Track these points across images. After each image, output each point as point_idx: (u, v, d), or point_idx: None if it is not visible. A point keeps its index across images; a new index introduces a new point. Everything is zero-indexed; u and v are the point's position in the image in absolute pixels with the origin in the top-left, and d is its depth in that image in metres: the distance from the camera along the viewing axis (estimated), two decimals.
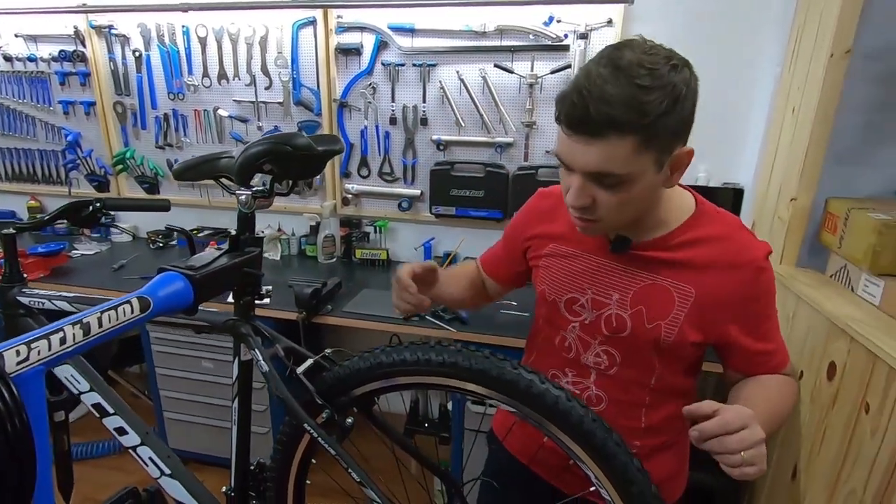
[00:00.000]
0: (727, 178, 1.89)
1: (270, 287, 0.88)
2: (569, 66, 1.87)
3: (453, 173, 2.08)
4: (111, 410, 0.88)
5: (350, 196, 2.26)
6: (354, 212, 2.30)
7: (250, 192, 0.74)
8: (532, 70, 1.92)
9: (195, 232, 2.34)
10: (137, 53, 2.24)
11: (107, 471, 2.14)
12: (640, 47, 0.65)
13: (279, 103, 2.18)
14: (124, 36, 2.23)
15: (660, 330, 0.78)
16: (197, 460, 2.04)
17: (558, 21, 1.85)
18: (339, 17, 2.03)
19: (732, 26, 1.78)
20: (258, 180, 0.80)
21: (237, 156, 0.72)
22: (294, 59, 2.11)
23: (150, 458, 0.88)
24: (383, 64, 2.05)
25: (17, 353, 0.41)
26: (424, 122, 2.09)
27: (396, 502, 0.76)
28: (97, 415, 0.89)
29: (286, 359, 0.78)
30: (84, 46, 2.27)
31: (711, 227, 0.78)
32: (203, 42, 2.17)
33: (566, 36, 1.86)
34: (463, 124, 2.04)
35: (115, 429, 0.88)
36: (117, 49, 2.26)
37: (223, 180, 0.80)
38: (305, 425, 0.71)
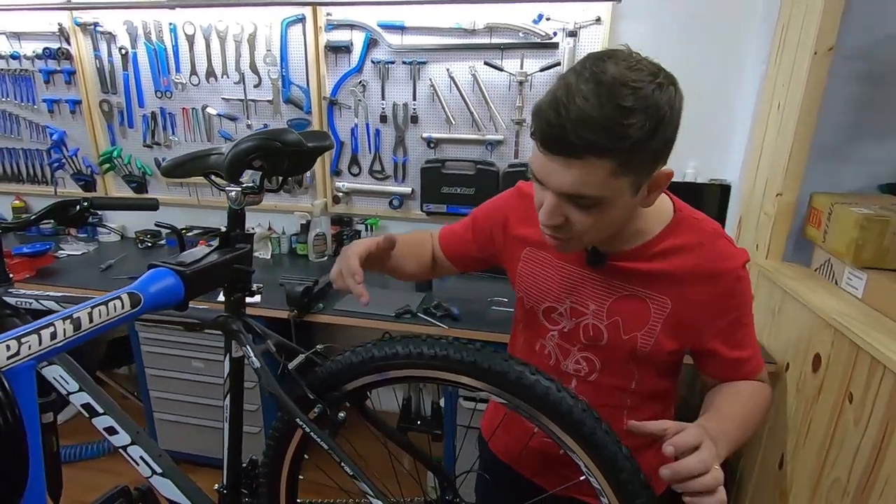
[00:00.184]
0: (715, 175, 1.91)
1: (261, 284, 0.88)
2: (558, 64, 1.88)
3: (444, 171, 2.08)
4: (101, 410, 0.87)
5: (341, 194, 2.26)
6: (345, 210, 2.29)
7: (240, 189, 0.74)
8: (522, 68, 1.93)
9: (184, 231, 2.32)
10: (124, 51, 2.22)
11: (95, 473, 2.12)
12: (624, 61, 0.61)
13: (268, 101, 2.17)
14: (110, 33, 2.20)
15: (636, 340, 0.78)
16: (188, 461, 2.02)
17: (547, 19, 1.86)
18: (328, 14, 2.02)
19: (719, 24, 1.80)
20: (248, 177, 0.80)
21: (227, 152, 0.72)
22: (283, 57, 2.10)
23: (141, 458, 0.87)
24: (373, 62, 2.04)
25: (7, 347, 0.41)
26: (415, 119, 2.09)
27: (389, 495, 0.77)
28: (87, 415, 0.88)
29: (278, 355, 0.78)
30: (69, 44, 2.24)
31: (689, 235, 0.76)
32: (190, 39, 2.15)
33: (555, 34, 1.88)
34: (453, 122, 2.05)
35: (105, 428, 0.87)
36: (103, 47, 2.23)
37: (213, 177, 0.79)
38: (298, 420, 0.72)
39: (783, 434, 1.40)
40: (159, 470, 0.87)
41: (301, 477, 0.84)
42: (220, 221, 2.37)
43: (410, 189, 2.19)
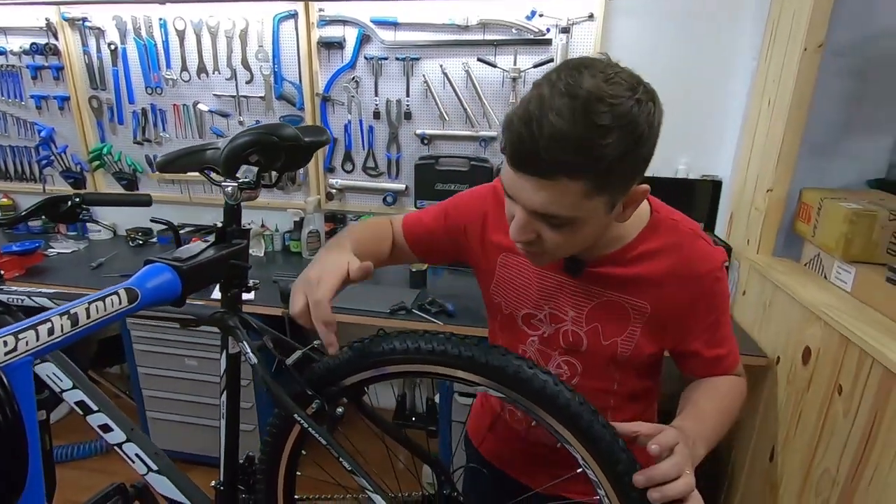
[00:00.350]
0: (706, 171, 1.93)
1: (258, 280, 0.88)
2: (551, 60, 1.89)
3: (438, 167, 2.08)
4: (95, 408, 0.87)
5: (334, 191, 2.25)
6: (339, 207, 2.29)
7: (236, 184, 0.74)
8: (515, 64, 1.93)
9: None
10: (113, 47, 2.19)
11: (88, 472, 2.11)
12: (602, 72, 0.57)
13: (261, 98, 2.16)
14: (99, 29, 2.17)
15: (616, 346, 0.78)
16: (182, 460, 2.01)
17: (540, 15, 1.87)
18: (320, 10, 2.01)
19: (710, 20, 1.81)
20: (242, 173, 0.80)
21: (223, 147, 0.71)
22: (275, 53, 2.09)
23: (137, 455, 0.87)
24: (366, 58, 2.04)
25: (5, 343, 0.41)
26: (408, 116, 2.09)
27: (387, 489, 0.77)
28: (80, 412, 0.87)
29: (275, 351, 0.78)
30: (57, 39, 2.21)
31: (667, 237, 0.76)
32: (181, 35, 2.13)
33: (548, 30, 1.88)
34: (447, 118, 2.05)
35: (100, 426, 0.87)
36: (92, 42, 2.20)
37: (209, 173, 0.79)
38: (295, 416, 0.71)
39: (774, 427, 1.42)
40: (155, 467, 0.87)
41: (299, 473, 0.84)
42: (212, 219, 2.36)
43: (404, 186, 2.19)
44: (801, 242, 1.54)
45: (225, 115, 2.21)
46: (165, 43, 2.15)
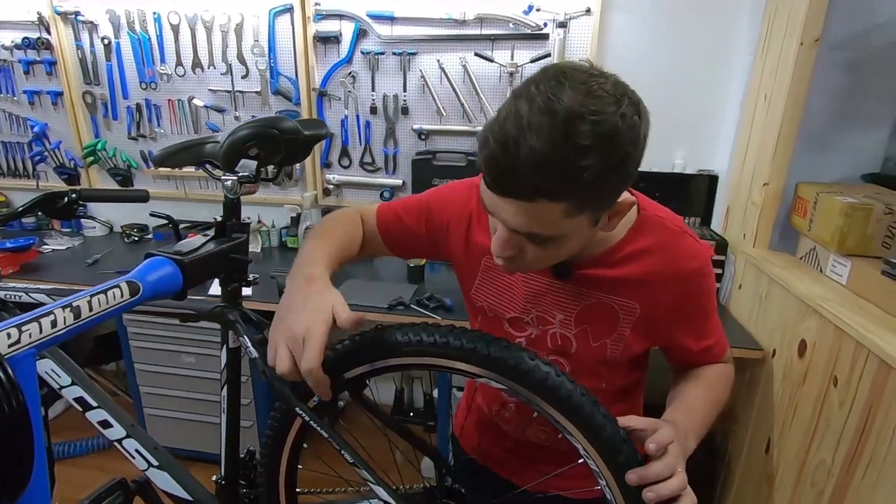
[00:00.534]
0: (703, 165, 1.94)
1: (257, 275, 0.87)
2: (548, 55, 1.89)
3: (435, 163, 2.08)
4: (94, 404, 0.86)
5: (331, 187, 2.24)
6: (336, 202, 2.28)
7: (236, 178, 0.74)
8: (512, 59, 1.93)
9: (170, 226, 2.29)
10: (106, 41, 2.17)
11: (85, 470, 2.10)
12: (584, 84, 0.53)
13: (256, 93, 2.15)
14: (92, 23, 2.15)
15: (605, 347, 0.78)
16: (180, 456, 1.99)
17: (537, 10, 1.87)
18: (316, 4, 2.00)
19: (706, 15, 1.82)
20: (240, 166, 0.79)
21: (223, 140, 0.71)
22: (271, 48, 2.08)
23: (137, 451, 0.87)
24: (363, 52, 2.03)
25: (8, 335, 0.40)
26: (405, 111, 2.08)
27: (389, 481, 0.77)
28: (80, 409, 0.87)
29: None
30: (49, 33, 2.19)
31: (654, 235, 0.74)
32: (176, 29, 2.11)
33: (545, 25, 1.88)
34: (444, 113, 2.04)
35: (100, 422, 0.87)
36: (85, 36, 2.18)
37: (208, 167, 0.78)
38: (297, 409, 0.71)
39: (770, 419, 1.43)
40: (155, 462, 0.87)
41: (300, 466, 0.84)
42: (207, 215, 2.35)
43: (401, 181, 2.18)
44: (796, 236, 1.55)
45: (220, 111, 2.20)
46: (160, 37, 2.13)
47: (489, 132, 0.56)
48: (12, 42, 2.22)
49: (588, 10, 1.84)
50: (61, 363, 0.85)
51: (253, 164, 0.77)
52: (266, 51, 2.08)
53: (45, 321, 0.45)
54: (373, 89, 2.07)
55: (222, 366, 0.84)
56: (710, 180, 1.89)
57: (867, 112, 1.49)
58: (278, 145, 0.71)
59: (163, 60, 2.16)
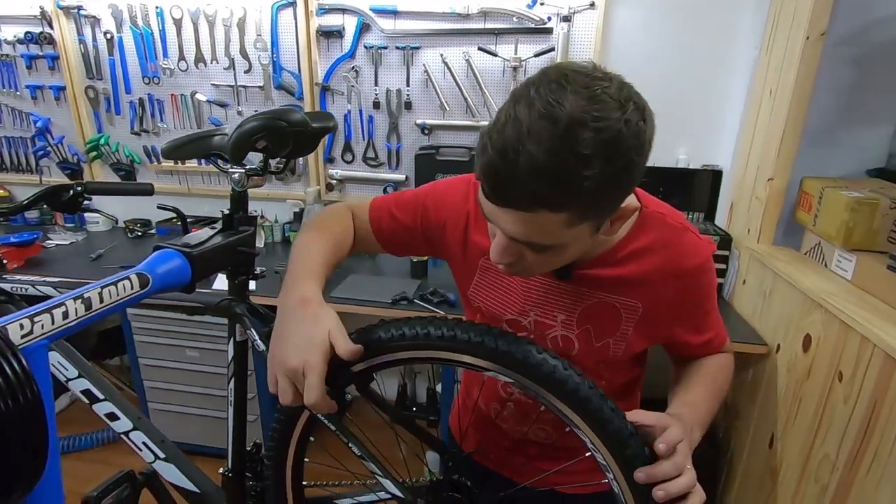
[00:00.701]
0: (707, 161, 1.93)
1: (264, 268, 0.87)
2: (552, 50, 1.88)
3: (438, 158, 2.08)
4: (101, 396, 0.87)
5: (334, 182, 2.24)
6: (339, 198, 2.28)
7: (244, 171, 0.74)
8: (516, 53, 1.92)
9: (175, 220, 2.29)
10: (109, 35, 2.16)
11: (90, 463, 2.11)
12: (586, 88, 0.51)
13: (259, 87, 2.14)
14: (94, 17, 2.15)
15: (608, 347, 0.77)
16: (184, 451, 2.00)
17: (542, 3, 1.86)
18: None
19: (711, 9, 1.81)
20: (246, 160, 0.79)
21: (230, 133, 0.71)
22: (274, 42, 2.07)
23: (144, 443, 0.87)
24: (366, 47, 2.02)
25: (21, 326, 0.41)
26: (408, 106, 2.08)
27: (395, 474, 0.77)
28: (86, 401, 0.87)
29: None
30: (52, 28, 2.18)
31: (656, 233, 0.73)
32: (178, 24, 2.10)
33: (549, 19, 1.87)
34: (447, 108, 2.04)
35: (107, 414, 0.87)
36: (87, 31, 2.18)
37: (215, 159, 0.78)
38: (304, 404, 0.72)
39: (773, 414, 1.43)
40: (162, 455, 0.87)
41: (307, 460, 0.84)
42: (210, 210, 2.35)
43: (404, 176, 2.18)
44: (801, 231, 1.55)
45: (223, 105, 2.19)
46: (162, 32, 2.12)
47: (487, 139, 0.53)
48: (15, 37, 2.22)
49: (592, 4, 1.83)
50: (68, 356, 0.86)
51: (259, 156, 0.77)
52: (269, 45, 2.07)
53: (57, 312, 0.45)
54: (376, 84, 2.07)
55: (229, 359, 0.84)
56: (714, 175, 1.89)
57: (872, 107, 1.48)
58: (286, 138, 0.71)
59: (165, 55, 2.16)
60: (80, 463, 2.11)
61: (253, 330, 0.77)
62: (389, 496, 0.77)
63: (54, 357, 0.86)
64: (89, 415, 0.88)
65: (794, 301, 1.37)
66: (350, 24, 2.01)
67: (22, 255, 1.96)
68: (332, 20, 2.02)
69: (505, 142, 0.51)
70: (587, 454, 0.68)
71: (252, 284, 0.86)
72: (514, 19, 1.89)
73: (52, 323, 0.44)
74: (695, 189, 1.91)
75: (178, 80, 2.19)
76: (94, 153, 2.34)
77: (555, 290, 0.77)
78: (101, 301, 0.50)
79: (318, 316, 0.61)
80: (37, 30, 2.19)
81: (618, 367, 0.82)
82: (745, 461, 1.58)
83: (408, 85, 2.05)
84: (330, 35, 2.03)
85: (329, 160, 2.23)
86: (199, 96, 2.19)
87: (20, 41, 2.22)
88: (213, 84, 2.17)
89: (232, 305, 0.79)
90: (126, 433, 0.87)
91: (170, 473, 0.87)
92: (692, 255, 0.74)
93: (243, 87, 2.16)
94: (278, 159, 0.77)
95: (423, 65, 2.00)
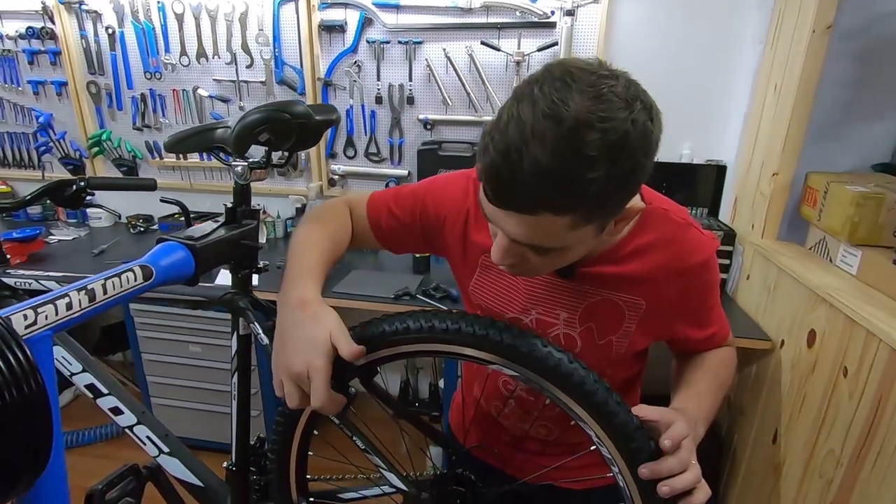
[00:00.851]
0: (710, 156, 1.93)
1: (268, 262, 0.87)
2: (555, 44, 1.87)
3: (441, 153, 2.07)
4: (105, 391, 0.87)
5: (336, 177, 2.24)
6: (341, 193, 2.27)
7: (247, 163, 0.73)
8: (519, 48, 1.91)
9: (178, 216, 2.29)
10: (110, 30, 2.16)
11: (93, 458, 2.12)
12: (592, 88, 0.49)
13: (261, 82, 2.14)
14: (96, 12, 2.14)
15: (611, 345, 0.77)
16: (187, 446, 2.02)
17: None
18: None
19: (715, 3, 1.79)
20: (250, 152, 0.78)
21: (233, 125, 0.70)
22: (276, 37, 2.06)
23: (148, 438, 0.87)
24: (368, 41, 2.01)
25: (25, 317, 0.40)
26: (411, 101, 2.07)
27: (400, 468, 0.77)
28: (90, 396, 0.87)
29: None
30: (53, 23, 2.18)
31: (659, 229, 0.72)
32: (180, 19, 2.10)
33: (553, 13, 1.86)
34: (450, 103, 2.03)
35: (111, 409, 0.87)
36: (89, 26, 2.17)
37: (218, 152, 0.78)
38: None
39: (777, 409, 1.43)
40: (166, 449, 0.87)
41: (311, 453, 0.84)
42: (212, 206, 2.34)
43: (407, 171, 2.18)
44: (805, 227, 1.54)
45: (225, 101, 2.19)
46: (164, 27, 2.12)
47: (489, 139, 0.52)
48: (16, 32, 2.21)
49: None
50: (72, 350, 0.86)
51: (262, 150, 0.77)
52: (271, 40, 2.07)
53: (61, 303, 0.44)
54: (378, 79, 2.06)
55: (232, 353, 0.84)
56: (718, 170, 1.88)
57: (878, 102, 1.47)
58: (289, 130, 0.70)
59: (167, 50, 2.15)
60: (84, 458, 2.12)
61: (256, 324, 0.77)
62: (394, 490, 0.77)
63: (58, 352, 0.86)
64: (93, 410, 0.88)
65: (799, 296, 1.36)
66: (352, 18, 2.00)
67: (25, 250, 1.96)
68: (334, 15, 2.01)
69: (507, 143, 0.49)
70: (592, 448, 0.68)
71: (255, 279, 0.85)
72: (517, 13, 1.88)
73: (56, 314, 0.44)
74: (698, 184, 1.90)
75: (179, 75, 2.19)
76: (97, 149, 2.33)
77: (557, 288, 0.76)
78: (105, 293, 0.50)
79: (319, 317, 0.60)
80: (38, 25, 2.19)
81: (619, 364, 0.81)
82: (749, 457, 1.58)
83: (410, 80, 2.04)
84: (332, 30, 2.02)
85: (331, 155, 2.23)
86: (200, 91, 2.18)
87: (22, 36, 2.21)
88: (214, 79, 2.17)
89: (235, 299, 0.79)
90: (130, 427, 0.87)
91: (174, 467, 0.87)
92: (696, 251, 0.73)
93: (245, 82, 2.15)
94: (281, 153, 0.77)
95: (426, 59, 2.00)
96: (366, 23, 1.99)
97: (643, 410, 0.62)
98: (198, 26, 2.09)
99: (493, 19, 1.91)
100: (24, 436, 0.35)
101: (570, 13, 1.84)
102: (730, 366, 0.82)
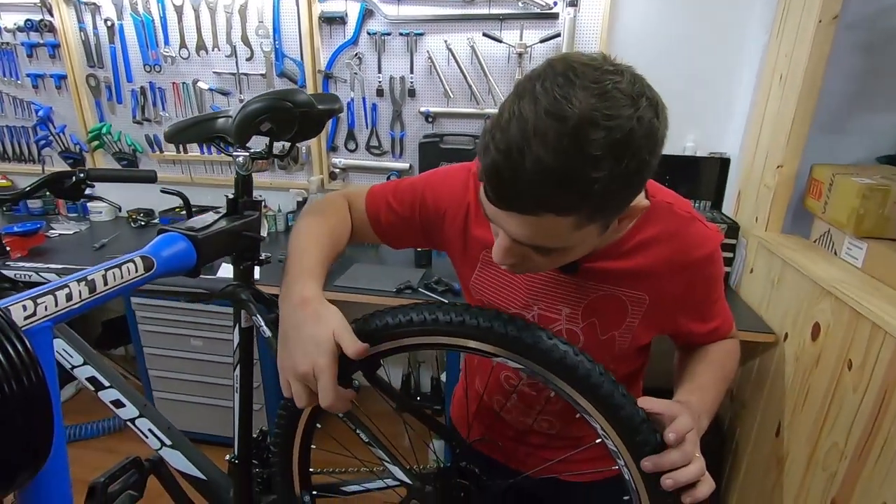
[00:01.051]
0: (714, 148, 1.91)
1: (270, 254, 0.86)
2: (558, 35, 1.85)
3: (442, 146, 2.06)
4: (107, 383, 0.86)
5: (337, 170, 2.23)
6: (342, 186, 2.26)
7: (248, 153, 0.72)
8: (521, 39, 1.89)
9: (178, 210, 2.29)
10: (109, 23, 2.14)
11: (95, 452, 2.12)
12: (596, 84, 0.47)
13: (262, 75, 2.12)
14: (94, 4, 2.12)
15: (614, 340, 0.76)
16: (190, 439, 2.02)
17: None
18: None
19: None
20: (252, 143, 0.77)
21: (235, 114, 0.69)
22: (276, 29, 2.05)
23: (150, 430, 0.87)
24: (369, 33, 2.00)
25: (24, 307, 0.40)
26: (412, 93, 2.05)
27: (403, 461, 0.77)
28: (92, 388, 0.87)
29: None
30: (52, 16, 2.16)
31: (663, 223, 0.71)
32: (179, 11, 2.08)
33: (555, 4, 1.84)
34: (451, 95, 2.01)
35: (112, 402, 0.87)
36: (88, 18, 2.16)
37: (219, 142, 0.77)
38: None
39: (780, 403, 1.42)
40: (169, 442, 0.87)
41: (313, 447, 0.84)
42: (213, 199, 2.34)
43: (408, 164, 2.16)
44: (809, 219, 1.53)
45: (225, 94, 2.17)
46: (163, 19, 2.10)
47: (489, 138, 0.50)
48: (15, 24, 2.20)
49: None
50: (73, 343, 0.85)
51: (264, 140, 0.76)
52: (271, 32, 2.05)
53: (61, 294, 0.44)
54: (379, 71, 2.04)
55: (235, 346, 0.84)
56: (722, 163, 1.87)
57: (883, 93, 1.46)
58: (292, 119, 0.69)
59: (166, 43, 2.14)
60: (86, 451, 2.12)
61: (259, 316, 0.76)
62: (397, 483, 0.77)
63: (59, 344, 0.86)
64: (94, 404, 0.87)
65: (803, 289, 1.35)
66: (353, 10, 1.98)
67: (25, 244, 1.96)
68: (334, 6, 1.99)
69: (509, 142, 0.48)
70: (598, 441, 0.67)
71: (257, 272, 0.85)
72: (520, 4, 1.86)
73: (56, 305, 0.43)
74: (702, 177, 1.89)
75: (179, 67, 2.17)
76: (96, 142, 2.33)
77: (559, 284, 0.75)
78: (105, 283, 0.49)
79: (321, 315, 0.59)
80: (37, 17, 2.17)
81: (622, 359, 0.81)
82: (752, 450, 1.57)
83: (411, 72, 2.02)
84: (332, 21, 2.00)
85: (332, 148, 2.21)
86: (200, 84, 2.17)
87: (20, 29, 2.20)
88: (214, 72, 2.15)
89: (237, 291, 0.78)
90: (132, 420, 0.86)
91: (176, 460, 0.87)
92: (700, 245, 0.72)
93: (245, 74, 2.14)
94: (283, 144, 0.76)
95: (427, 51, 1.98)
96: (366, 14, 1.98)
97: (648, 403, 0.62)
98: (197, 18, 2.08)
99: (495, 10, 1.89)
100: (23, 429, 0.35)
101: (573, 4, 1.82)
102: (733, 358, 0.82)
